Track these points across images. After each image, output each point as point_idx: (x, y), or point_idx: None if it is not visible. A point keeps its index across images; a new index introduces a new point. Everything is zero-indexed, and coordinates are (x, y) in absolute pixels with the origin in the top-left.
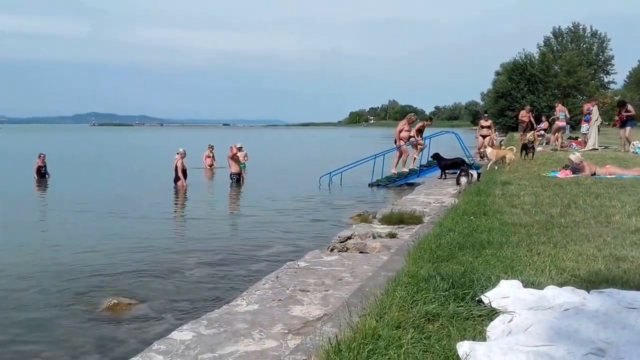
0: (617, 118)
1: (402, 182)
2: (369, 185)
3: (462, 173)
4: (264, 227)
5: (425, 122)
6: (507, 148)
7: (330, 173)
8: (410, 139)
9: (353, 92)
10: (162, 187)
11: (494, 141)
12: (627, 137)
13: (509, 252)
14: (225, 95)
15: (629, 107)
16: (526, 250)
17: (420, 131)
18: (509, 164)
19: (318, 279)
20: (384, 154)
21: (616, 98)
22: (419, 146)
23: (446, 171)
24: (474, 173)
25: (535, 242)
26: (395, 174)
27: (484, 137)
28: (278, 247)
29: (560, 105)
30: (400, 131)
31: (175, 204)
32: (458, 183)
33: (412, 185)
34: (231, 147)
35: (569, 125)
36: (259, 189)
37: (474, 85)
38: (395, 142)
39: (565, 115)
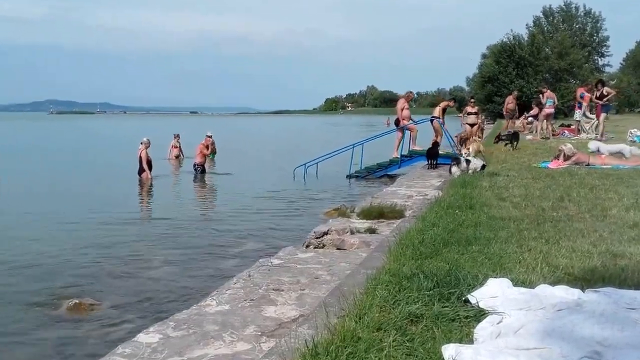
0: (597, 102)
1: (382, 173)
2: (347, 176)
3: (454, 162)
4: (234, 223)
5: (449, 102)
6: (473, 139)
7: (305, 164)
8: (405, 124)
9: (329, 78)
10: (125, 179)
11: (481, 129)
12: (601, 122)
13: (497, 249)
14: (193, 81)
15: (607, 88)
16: (516, 246)
17: (444, 111)
18: (475, 156)
19: (293, 277)
20: (362, 143)
21: (612, 82)
22: (414, 132)
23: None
24: (478, 163)
25: (525, 238)
26: (397, 157)
27: (471, 125)
28: (250, 243)
29: (548, 91)
30: (402, 109)
31: (140, 197)
32: (450, 172)
33: (392, 178)
34: (206, 139)
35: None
36: (229, 182)
37: (459, 70)
38: (398, 123)
39: (553, 102)
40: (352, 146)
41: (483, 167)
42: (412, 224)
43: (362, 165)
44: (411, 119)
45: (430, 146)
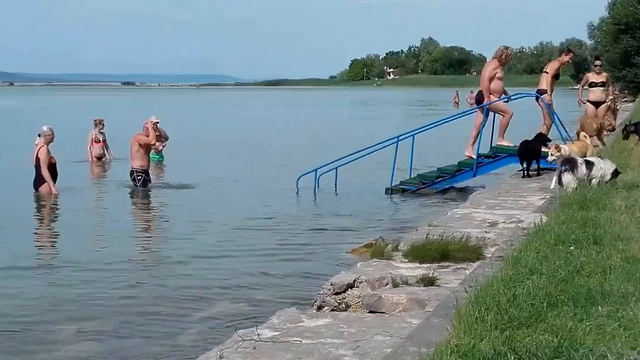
0: None
1: (447, 184)
2: (387, 190)
3: (567, 166)
4: (199, 270)
5: (564, 58)
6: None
7: (315, 170)
8: (543, 97)
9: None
10: (14, 194)
11: (614, 110)
12: None
13: (639, 311)
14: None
15: None
16: None
17: (557, 76)
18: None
19: (293, 357)
20: (413, 134)
21: None
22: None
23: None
24: (607, 166)
25: None
26: (471, 157)
27: (595, 104)
28: (223, 303)
29: None
30: (491, 78)
31: (38, 226)
32: (560, 183)
33: (463, 192)
34: (146, 126)
35: None
36: (190, 200)
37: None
38: (479, 101)
39: None
40: (395, 140)
41: (615, 173)
42: (497, 270)
43: (412, 172)
44: (504, 95)
45: (530, 139)
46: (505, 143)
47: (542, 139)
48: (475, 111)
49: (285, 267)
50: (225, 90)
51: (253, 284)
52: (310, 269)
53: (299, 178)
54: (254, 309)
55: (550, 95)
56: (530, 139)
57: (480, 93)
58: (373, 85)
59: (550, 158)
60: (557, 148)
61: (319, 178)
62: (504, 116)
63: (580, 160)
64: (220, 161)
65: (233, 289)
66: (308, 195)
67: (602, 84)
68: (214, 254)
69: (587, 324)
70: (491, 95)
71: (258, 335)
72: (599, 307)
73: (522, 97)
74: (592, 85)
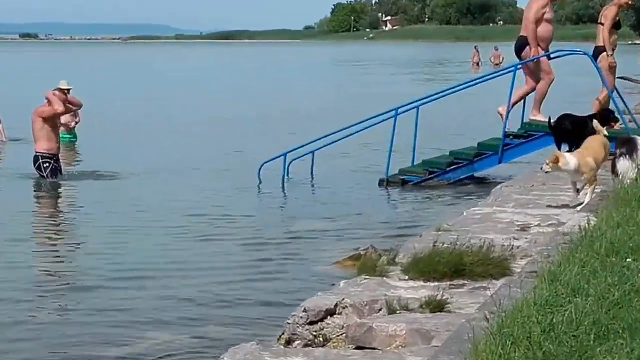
0: None
1: (463, 174)
2: (381, 182)
3: (623, 149)
4: (123, 291)
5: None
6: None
7: (284, 154)
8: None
9: None
10: None
11: None
12: None
13: None
14: None
15: None
16: None
17: (617, 26)
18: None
19: None
20: (417, 105)
21: None
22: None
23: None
24: None
25: None
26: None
27: None
28: (156, 335)
29: None
30: (538, 20)
31: None
32: (614, 172)
33: (484, 184)
34: (50, 95)
35: None
36: (112, 195)
37: None
38: (520, 51)
39: None
40: (393, 113)
41: None
42: (528, 291)
43: (416, 158)
44: (546, 49)
45: (580, 116)
46: (541, 118)
47: (605, 115)
48: (512, 70)
49: (242, 287)
50: (161, 45)
51: (198, 311)
52: (277, 289)
53: (261, 166)
54: (198, 344)
55: (612, 53)
56: (587, 115)
57: (520, 40)
58: (363, 39)
59: (545, 167)
60: (556, 159)
61: (288, 166)
62: (543, 80)
63: (634, 144)
64: (153, 143)
65: (169, 317)
66: (274, 189)
67: None
68: (144, 272)
69: None
70: (537, 47)
71: None
72: None
73: (566, 55)
74: None
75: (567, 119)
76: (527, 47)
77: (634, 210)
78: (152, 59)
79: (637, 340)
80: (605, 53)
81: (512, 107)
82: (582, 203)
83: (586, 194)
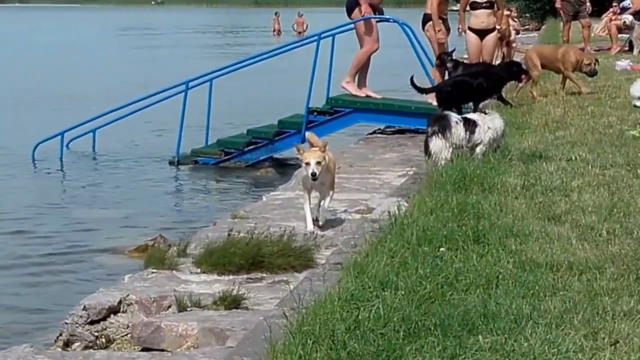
0: None
1: (261, 155)
2: (172, 163)
3: (435, 126)
4: None
5: None
6: None
7: (62, 133)
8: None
9: None
10: None
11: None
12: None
13: (538, 342)
14: None
15: None
16: (584, 334)
17: None
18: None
19: None
20: (211, 78)
21: None
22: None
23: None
24: (496, 123)
25: (609, 314)
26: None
27: (479, 33)
28: None
29: None
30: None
31: None
32: (427, 153)
33: (285, 165)
34: None
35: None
36: None
37: None
38: (350, 12)
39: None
40: (184, 86)
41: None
42: (333, 284)
43: (210, 137)
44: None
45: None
46: (352, 88)
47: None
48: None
49: (11, 282)
50: None
51: None
52: (53, 285)
53: (36, 147)
54: None
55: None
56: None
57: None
58: (151, 3)
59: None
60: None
61: (67, 145)
62: (365, 47)
63: (455, 117)
64: None
65: None
66: (51, 171)
67: (489, 4)
68: None
69: None
70: (367, 8)
71: None
72: (480, 336)
73: (385, 21)
74: (475, 6)
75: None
76: (357, 9)
77: (448, 194)
78: None
79: (450, 337)
80: (432, 22)
81: (366, 73)
82: None
83: None
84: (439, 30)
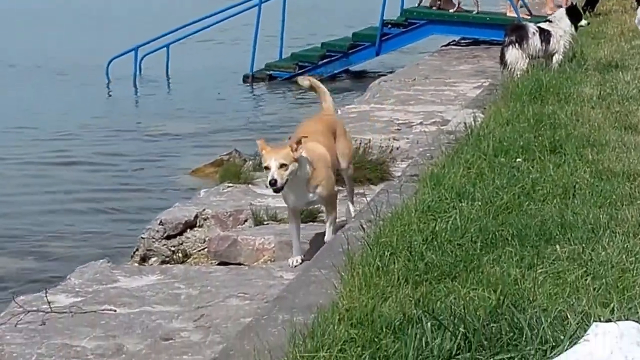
0: None
1: (336, 68)
2: (246, 79)
3: (512, 37)
4: None
5: None
6: None
7: (135, 49)
8: None
9: None
10: None
11: None
12: None
13: (615, 252)
14: None
15: None
16: None
17: None
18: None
19: (104, 337)
20: None
21: None
22: None
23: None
24: (567, 32)
25: None
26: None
27: None
28: None
29: None
30: None
31: None
32: (503, 63)
33: (360, 78)
34: None
35: None
36: None
37: None
38: None
39: None
40: (258, 1)
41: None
42: (409, 196)
43: (284, 51)
44: None
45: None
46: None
47: None
48: None
49: (89, 200)
50: None
51: (42, 230)
52: (128, 201)
53: (109, 62)
54: (44, 266)
55: None
56: None
57: None
58: None
59: None
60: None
61: (141, 61)
62: None
63: (532, 28)
64: None
65: (9, 238)
66: (125, 87)
67: None
68: None
69: (539, 271)
70: None
71: (49, 303)
72: (557, 246)
73: None
74: None
75: None
76: None
77: (525, 105)
78: None
79: (528, 247)
80: None
81: None
82: None
83: None
84: None
